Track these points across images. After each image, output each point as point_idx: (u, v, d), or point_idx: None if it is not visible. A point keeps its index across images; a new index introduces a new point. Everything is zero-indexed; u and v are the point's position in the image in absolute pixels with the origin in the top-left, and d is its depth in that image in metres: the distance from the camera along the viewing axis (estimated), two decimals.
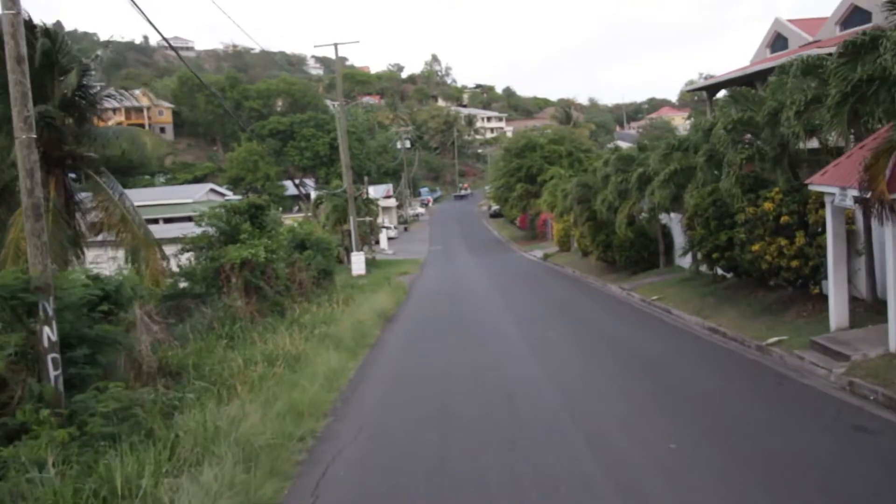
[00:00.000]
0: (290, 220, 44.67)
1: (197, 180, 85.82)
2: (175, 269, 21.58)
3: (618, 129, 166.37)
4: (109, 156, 20.16)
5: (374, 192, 78.93)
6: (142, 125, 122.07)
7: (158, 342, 15.60)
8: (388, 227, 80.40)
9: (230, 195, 58.47)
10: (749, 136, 18.09)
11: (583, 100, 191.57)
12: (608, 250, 32.37)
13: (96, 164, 19.79)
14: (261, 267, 21.60)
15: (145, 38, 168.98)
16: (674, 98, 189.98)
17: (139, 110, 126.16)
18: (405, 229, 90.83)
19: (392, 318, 24.67)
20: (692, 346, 16.52)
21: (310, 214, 48.04)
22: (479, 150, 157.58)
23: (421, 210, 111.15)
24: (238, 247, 20.73)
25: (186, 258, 22.91)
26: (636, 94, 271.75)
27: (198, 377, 13.55)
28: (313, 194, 63.42)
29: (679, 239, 26.97)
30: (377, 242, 54.81)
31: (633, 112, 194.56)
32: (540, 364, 15.31)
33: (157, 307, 17.68)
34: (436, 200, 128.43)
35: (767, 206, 16.28)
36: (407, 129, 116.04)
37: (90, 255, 21.01)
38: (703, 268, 22.87)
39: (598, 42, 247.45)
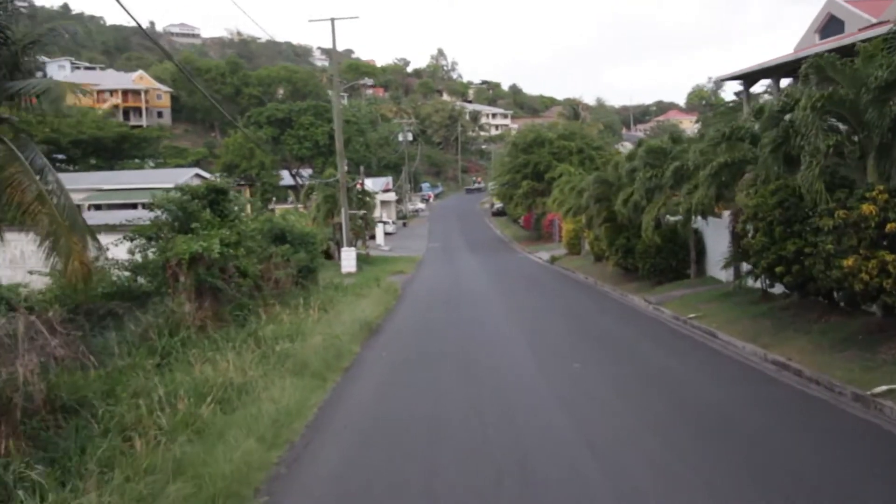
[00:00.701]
0: (281, 210, 40.87)
1: (189, 165, 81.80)
2: (110, 261, 17.64)
3: (625, 130, 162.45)
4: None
5: (371, 184, 75.06)
6: (139, 109, 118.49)
7: (57, 361, 11.74)
8: (385, 222, 76.57)
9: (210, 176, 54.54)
10: (833, 120, 14.16)
11: (589, 100, 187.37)
12: (629, 256, 28.49)
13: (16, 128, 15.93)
14: (219, 263, 17.73)
15: (151, 23, 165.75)
16: (680, 101, 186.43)
17: (136, 93, 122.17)
18: (404, 225, 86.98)
19: (377, 331, 20.78)
20: (762, 390, 12.60)
21: (300, 205, 44.02)
22: (483, 147, 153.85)
23: (421, 206, 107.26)
24: (188, 238, 16.84)
25: (137, 249, 19.04)
26: (643, 97, 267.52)
27: (105, 413, 9.78)
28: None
29: (716, 246, 23.10)
30: (372, 237, 50.89)
31: (640, 114, 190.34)
32: (563, 408, 11.45)
33: (70, 312, 13.81)
34: (437, 196, 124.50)
35: (867, 209, 12.38)
36: (409, 122, 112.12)
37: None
38: (750, 281, 19.05)
39: (605, 43, 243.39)
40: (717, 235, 23.52)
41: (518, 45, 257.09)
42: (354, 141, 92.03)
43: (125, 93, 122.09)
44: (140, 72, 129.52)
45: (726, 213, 21.56)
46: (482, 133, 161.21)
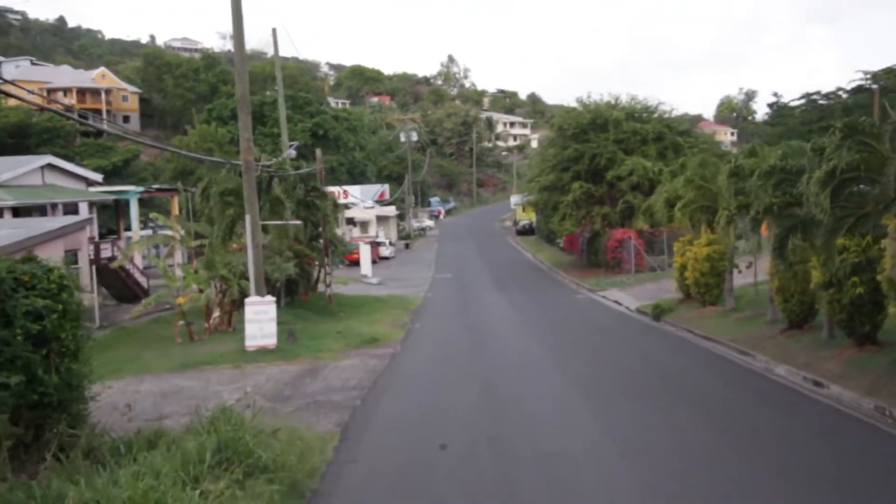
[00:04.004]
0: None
1: (115, 168, 63.35)
2: None
3: None
4: None
5: (359, 193, 56.52)
6: (98, 111, 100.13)
7: None
8: (381, 243, 57.97)
9: (92, 175, 35.55)
10: None
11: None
12: None
13: None
14: None
15: (152, 37, 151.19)
16: (705, 114, 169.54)
17: (96, 93, 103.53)
18: (406, 246, 68.30)
19: None
20: None
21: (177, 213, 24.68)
22: (504, 155, 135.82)
23: (429, 223, 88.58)
24: None
25: None
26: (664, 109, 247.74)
27: None
28: None
29: None
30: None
31: None
32: None
33: None
34: (449, 212, 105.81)
35: None
36: (413, 118, 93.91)
37: None
38: None
39: (629, 57, 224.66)
40: None
41: (534, 55, 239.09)
42: (345, 139, 73.80)
43: (82, 92, 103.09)
44: (102, 69, 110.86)
45: None
46: (499, 143, 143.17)
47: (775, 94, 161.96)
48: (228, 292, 21.35)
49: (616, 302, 29.08)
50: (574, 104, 43.52)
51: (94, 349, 9.74)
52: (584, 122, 40.45)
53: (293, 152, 28.72)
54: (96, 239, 29.37)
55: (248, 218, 18.28)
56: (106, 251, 27.33)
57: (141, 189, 40.29)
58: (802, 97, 71.26)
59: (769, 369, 14.79)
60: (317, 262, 29.98)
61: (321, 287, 29.44)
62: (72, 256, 23.11)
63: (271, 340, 18.02)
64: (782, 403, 12.46)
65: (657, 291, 29.91)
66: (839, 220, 12.00)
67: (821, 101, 70.00)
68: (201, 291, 21.61)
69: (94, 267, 25.69)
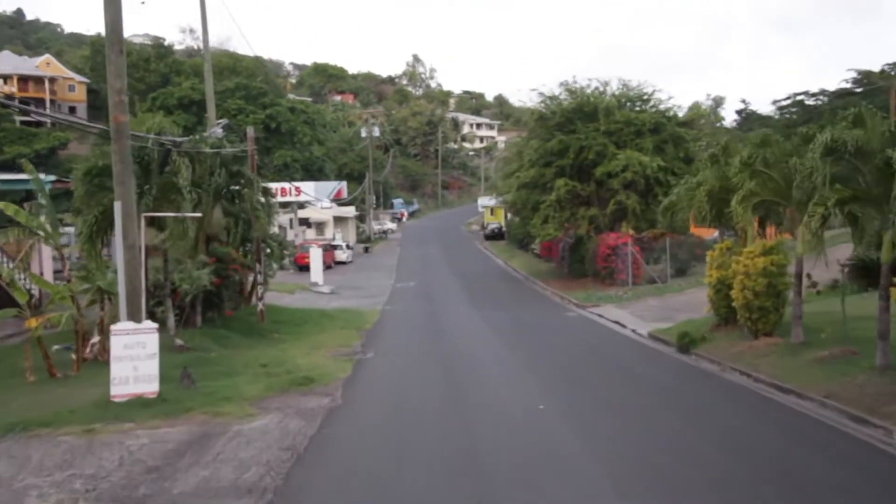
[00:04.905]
0: None
1: (39, 157, 56.21)
2: None
3: None
4: None
5: (314, 190, 50.54)
6: (41, 101, 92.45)
7: None
8: (337, 246, 52.07)
9: None
10: None
11: None
12: None
13: None
14: None
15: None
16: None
17: (39, 81, 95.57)
18: (366, 250, 62.40)
19: None
20: None
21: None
22: (471, 156, 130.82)
23: (391, 226, 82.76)
24: None
25: None
26: None
27: None
28: None
29: None
30: (266, 280, 26.03)
31: None
32: None
33: None
34: (412, 215, 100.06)
35: None
36: (374, 112, 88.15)
37: None
38: None
39: (596, 63, 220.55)
40: None
41: (501, 57, 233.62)
42: (301, 133, 67.63)
43: (24, 80, 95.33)
44: (46, 56, 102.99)
45: None
46: (465, 144, 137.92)
47: (743, 101, 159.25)
48: (109, 309, 15.43)
49: (617, 323, 23.63)
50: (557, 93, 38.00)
51: None
52: (571, 108, 34.98)
53: (220, 130, 22.84)
54: None
55: (117, 206, 12.40)
56: None
57: (52, 179, 33.95)
58: (788, 97, 67.07)
59: None
60: (251, 269, 24.04)
61: (257, 299, 23.48)
62: None
63: (150, 386, 12.14)
64: None
65: (666, 311, 24.59)
66: None
67: (808, 103, 66.01)
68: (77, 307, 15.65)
69: None
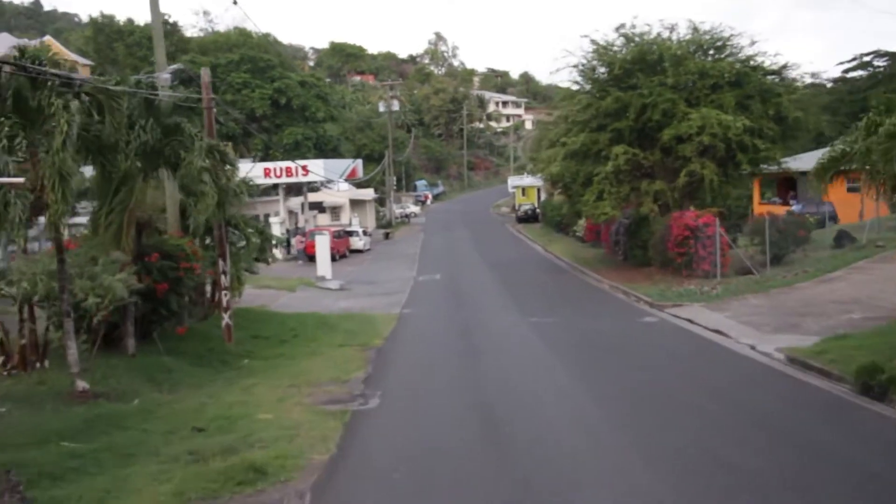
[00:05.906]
0: None
1: None
2: None
3: None
4: None
5: (322, 168, 44.24)
6: None
7: None
8: (353, 232, 45.97)
9: None
10: None
11: None
12: None
13: None
14: None
15: (130, 20, 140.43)
16: None
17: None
18: (386, 236, 56.28)
19: None
20: None
21: None
22: (497, 136, 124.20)
23: (415, 209, 76.49)
24: None
25: None
26: None
27: None
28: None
29: None
30: (240, 282, 19.76)
31: None
32: None
33: None
34: (437, 197, 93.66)
35: None
36: (393, 84, 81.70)
37: None
38: None
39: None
40: None
41: (526, 34, 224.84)
42: (313, 108, 61.27)
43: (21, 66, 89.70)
44: (47, 37, 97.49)
45: None
46: (491, 123, 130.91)
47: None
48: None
49: (718, 332, 17.10)
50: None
51: None
52: (630, 58, 28.18)
53: (168, 76, 16.67)
54: None
55: None
56: None
57: None
58: (854, 59, 59.58)
59: None
60: (222, 269, 17.77)
61: (222, 310, 17.26)
62: None
63: None
64: None
65: (782, 314, 18.03)
66: None
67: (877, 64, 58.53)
68: None
69: None
